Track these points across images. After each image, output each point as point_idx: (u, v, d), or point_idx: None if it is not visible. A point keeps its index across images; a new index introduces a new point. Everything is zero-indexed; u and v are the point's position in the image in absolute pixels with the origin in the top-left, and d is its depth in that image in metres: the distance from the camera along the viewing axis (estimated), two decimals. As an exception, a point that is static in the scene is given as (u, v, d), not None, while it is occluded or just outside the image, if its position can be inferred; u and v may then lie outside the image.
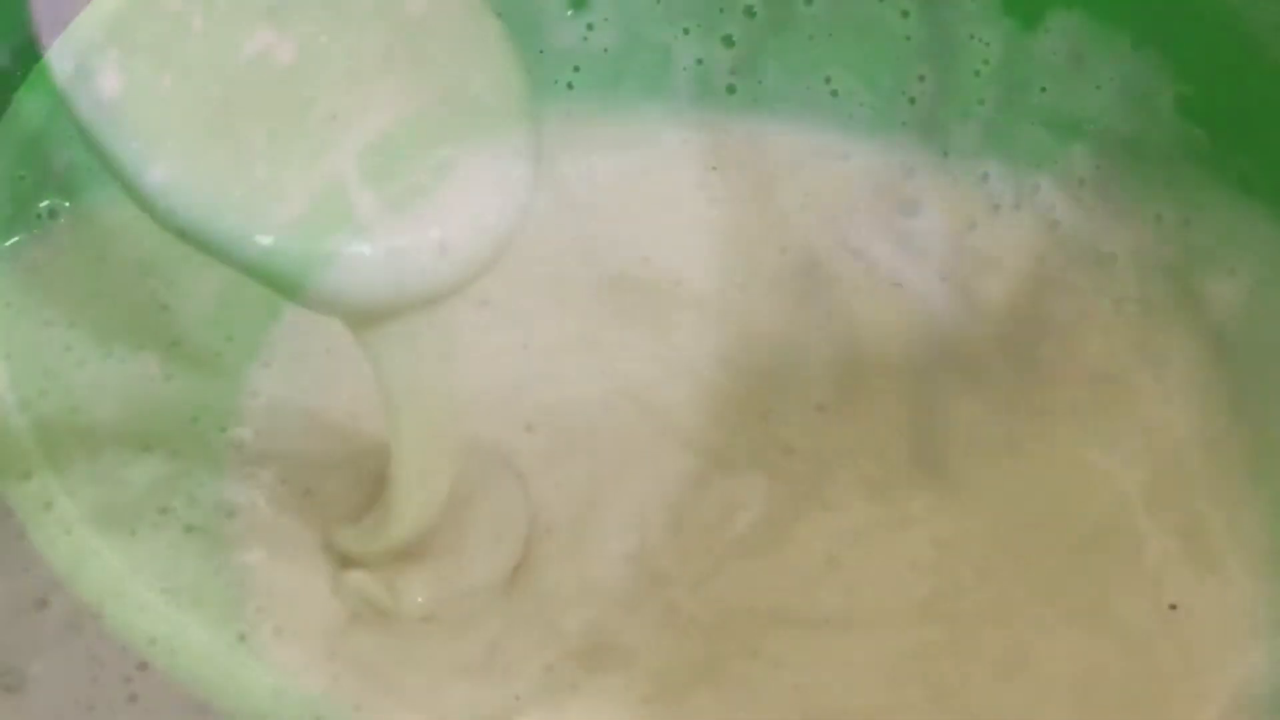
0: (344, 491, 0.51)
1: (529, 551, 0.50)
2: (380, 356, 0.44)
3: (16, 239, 0.56)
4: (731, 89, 0.60)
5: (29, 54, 0.54)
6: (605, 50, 0.60)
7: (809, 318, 0.55)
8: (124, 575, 0.49)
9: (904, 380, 0.54)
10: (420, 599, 0.49)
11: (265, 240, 0.40)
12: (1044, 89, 0.56)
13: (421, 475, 0.47)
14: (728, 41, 0.59)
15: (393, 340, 0.44)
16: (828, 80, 0.59)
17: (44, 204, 0.57)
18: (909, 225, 0.58)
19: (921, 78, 0.58)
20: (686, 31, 0.59)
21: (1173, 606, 0.49)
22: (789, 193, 0.58)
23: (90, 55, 0.41)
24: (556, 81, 0.60)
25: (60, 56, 0.41)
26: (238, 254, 0.40)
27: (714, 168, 0.59)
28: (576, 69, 0.60)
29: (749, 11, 0.59)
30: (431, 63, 0.42)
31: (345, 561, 0.50)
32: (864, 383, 0.54)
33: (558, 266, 0.57)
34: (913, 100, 0.58)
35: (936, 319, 0.55)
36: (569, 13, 0.60)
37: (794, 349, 0.55)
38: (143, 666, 0.48)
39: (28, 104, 0.55)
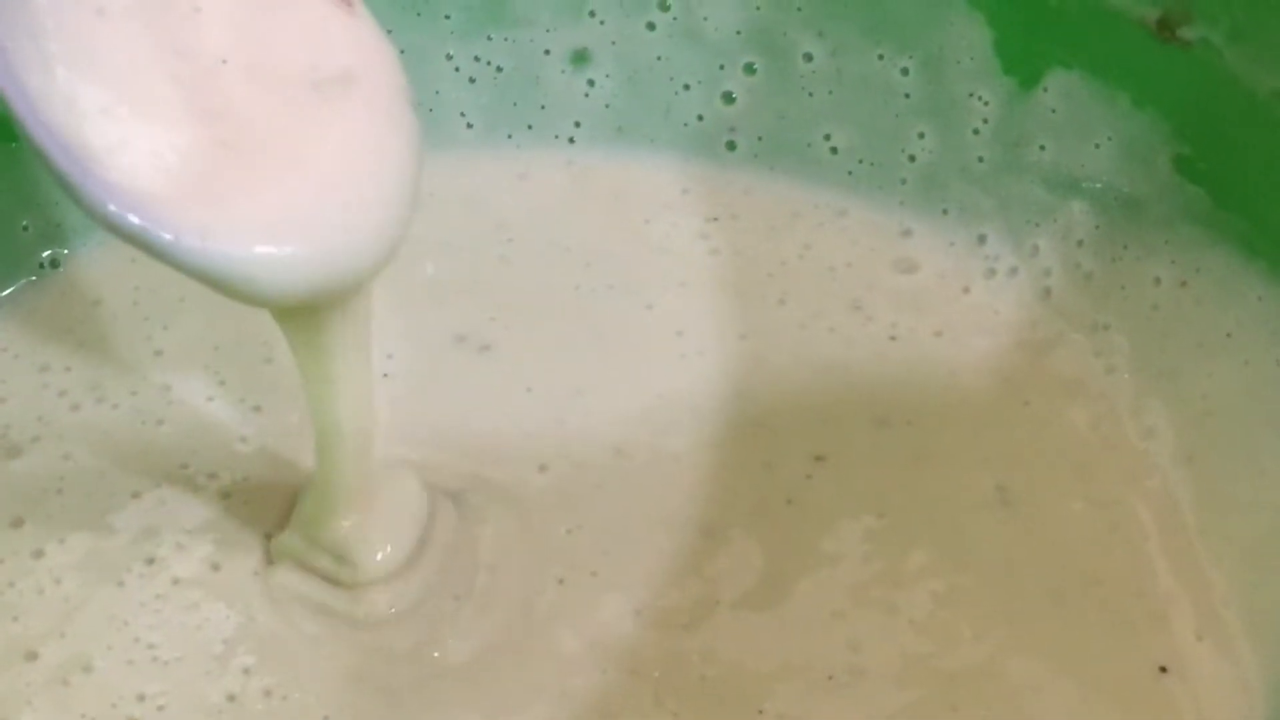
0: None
1: (540, 605, 0.50)
2: (300, 346, 0.45)
3: (16, 286, 0.57)
4: (731, 145, 0.60)
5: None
6: (606, 106, 0.60)
7: (807, 369, 0.55)
8: (112, 628, 0.49)
9: (899, 432, 0.54)
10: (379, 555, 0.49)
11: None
12: (1043, 147, 0.56)
13: (345, 454, 0.47)
14: (728, 98, 0.60)
15: (311, 330, 0.44)
16: (827, 137, 0.59)
17: (46, 254, 0.57)
18: (906, 281, 0.58)
19: (921, 135, 0.58)
20: (687, 87, 0.60)
21: (1163, 669, 0.49)
22: (788, 244, 0.59)
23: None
24: (558, 136, 0.61)
25: None
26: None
27: (714, 218, 0.59)
28: (578, 124, 0.61)
29: (749, 68, 0.59)
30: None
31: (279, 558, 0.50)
32: (861, 434, 0.54)
33: (559, 314, 0.57)
34: (912, 157, 0.58)
35: (932, 372, 0.55)
36: (570, 68, 0.60)
37: (792, 399, 0.55)
38: (131, 722, 0.48)
39: (28, 154, 0.55)
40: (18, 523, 0.51)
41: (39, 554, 0.50)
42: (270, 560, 0.50)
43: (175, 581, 0.50)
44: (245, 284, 0.40)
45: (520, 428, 0.54)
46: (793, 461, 0.53)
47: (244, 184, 0.40)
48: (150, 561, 0.50)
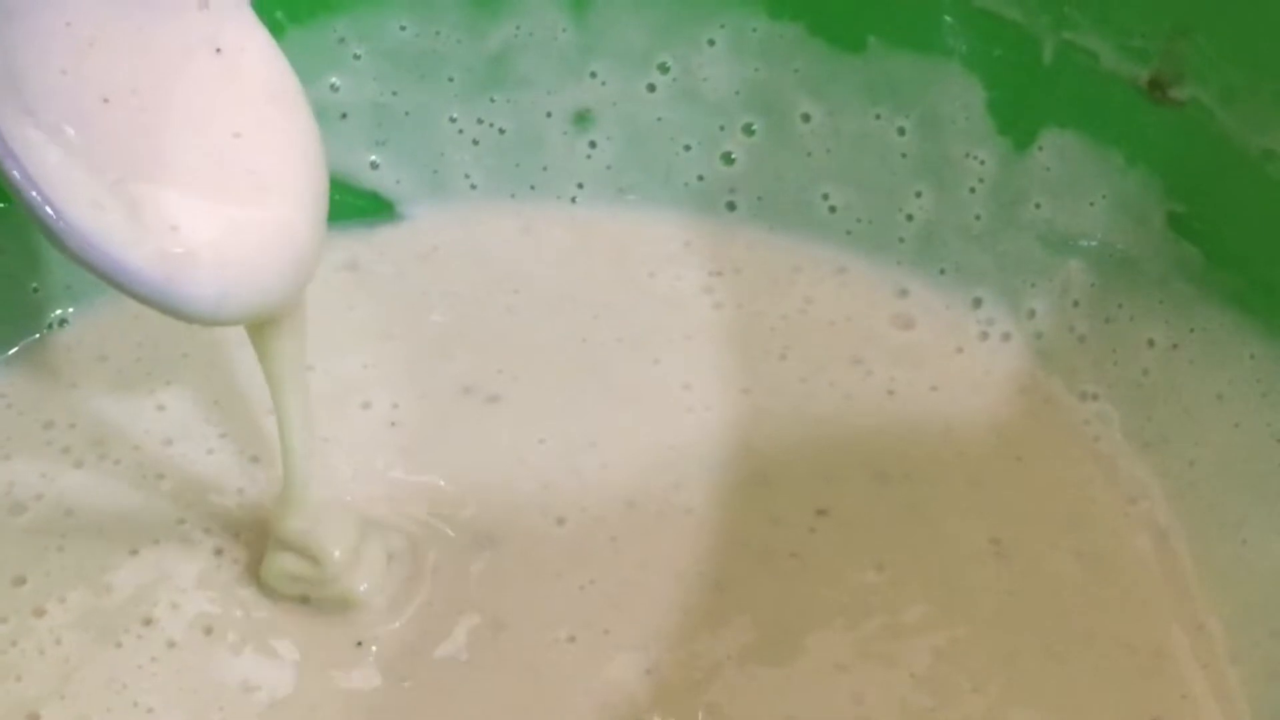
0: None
1: (551, 664, 0.50)
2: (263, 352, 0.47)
3: (24, 343, 0.57)
4: (732, 205, 0.61)
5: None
6: (608, 167, 0.61)
7: (808, 422, 0.56)
8: (110, 691, 0.49)
9: (898, 486, 0.54)
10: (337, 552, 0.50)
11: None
12: (1039, 205, 0.57)
13: (306, 445, 0.49)
14: (727, 159, 0.60)
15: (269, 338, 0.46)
16: (825, 196, 0.60)
17: (55, 313, 0.58)
18: (903, 337, 0.58)
19: (918, 194, 0.59)
20: (687, 148, 0.60)
21: None
22: (790, 299, 0.59)
23: None
24: (560, 197, 0.61)
25: None
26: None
27: (718, 272, 0.60)
28: (580, 185, 0.61)
29: (748, 129, 0.60)
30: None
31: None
32: (861, 487, 0.54)
33: (566, 366, 0.57)
34: (910, 216, 0.59)
35: (928, 428, 0.56)
36: (572, 130, 0.60)
37: (795, 453, 0.55)
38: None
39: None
40: (20, 581, 0.51)
41: (40, 612, 0.51)
42: (261, 580, 0.51)
43: (170, 645, 0.50)
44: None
45: (535, 479, 0.54)
46: (796, 515, 0.53)
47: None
48: (147, 622, 0.50)
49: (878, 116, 0.58)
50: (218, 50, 0.43)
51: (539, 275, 0.60)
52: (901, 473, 0.54)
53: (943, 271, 0.59)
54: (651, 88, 0.60)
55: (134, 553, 0.52)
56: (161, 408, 0.56)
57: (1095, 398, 0.56)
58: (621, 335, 0.58)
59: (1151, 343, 0.55)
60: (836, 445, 0.55)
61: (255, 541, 0.52)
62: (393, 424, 0.55)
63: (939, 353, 0.58)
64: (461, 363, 0.57)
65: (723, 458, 0.55)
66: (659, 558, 0.52)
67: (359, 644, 0.50)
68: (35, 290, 0.57)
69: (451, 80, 0.59)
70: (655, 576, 0.52)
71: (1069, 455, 0.55)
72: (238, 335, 0.48)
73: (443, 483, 0.54)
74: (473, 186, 0.61)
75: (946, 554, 0.52)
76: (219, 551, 0.52)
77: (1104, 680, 0.50)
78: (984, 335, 0.58)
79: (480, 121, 0.60)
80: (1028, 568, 0.52)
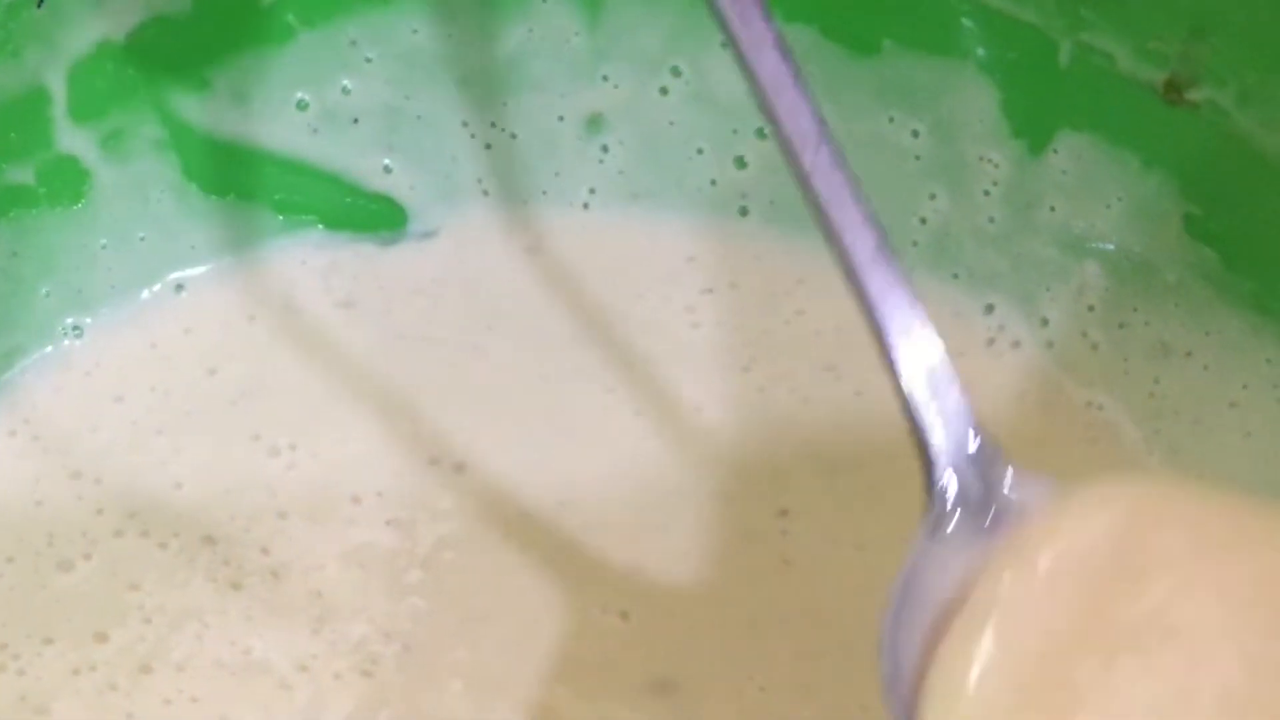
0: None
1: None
2: None
3: (40, 354, 0.57)
4: (744, 210, 0.60)
5: (50, 172, 0.56)
6: (621, 172, 0.61)
7: (761, 429, 0.56)
8: None
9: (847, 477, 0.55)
10: None
11: None
12: (1054, 208, 0.57)
13: None
14: (740, 163, 0.60)
15: None
16: (839, 200, 0.60)
17: (68, 320, 0.57)
18: None
19: (932, 196, 0.58)
20: (700, 152, 0.60)
21: None
22: (779, 313, 0.59)
23: None
24: (572, 203, 0.61)
25: None
26: None
27: (709, 290, 0.59)
28: (592, 190, 0.61)
29: (760, 134, 0.59)
30: None
31: None
32: (816, 484, 0.54)
33: (525, 412, 0.57)
34: (924, 220, 0.59)
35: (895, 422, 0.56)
36: (584, 135, 0.60)
37: (749, 460, 0.55)
38: None
39: (48, 221, 0.56)
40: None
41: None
42: None
43: None
44: None
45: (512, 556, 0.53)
46: (764, 520, 0.53)
47: None
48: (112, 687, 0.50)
49: (891, 119, 0.58)
50: None
51: (519, 308, 0.59)
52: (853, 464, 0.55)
53: (956, 276, 0.59)
54: (664, 91, 0.60)
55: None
56: (179, 485, 0.55)
57: (1102, 408, 0.56)
58: (582, 366, 0.58)
59: (1166, 349, 0.55)
60: (790, 446, 0.55)
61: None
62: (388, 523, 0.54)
63: None
64: (427, 431, 0.56)
65: (676, 477, 0.55)
66: (658, 573, 0.52)
67: None
68: (47, 295, 0.57)
69: (464, 84, 0.59)
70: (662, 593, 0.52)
71: (1073, 466, 0.54)
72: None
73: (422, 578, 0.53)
74: (485, 193, 0.61)
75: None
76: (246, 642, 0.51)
77: None
78: (991, 342, 0.58)
79: (493, 125, 0.60)
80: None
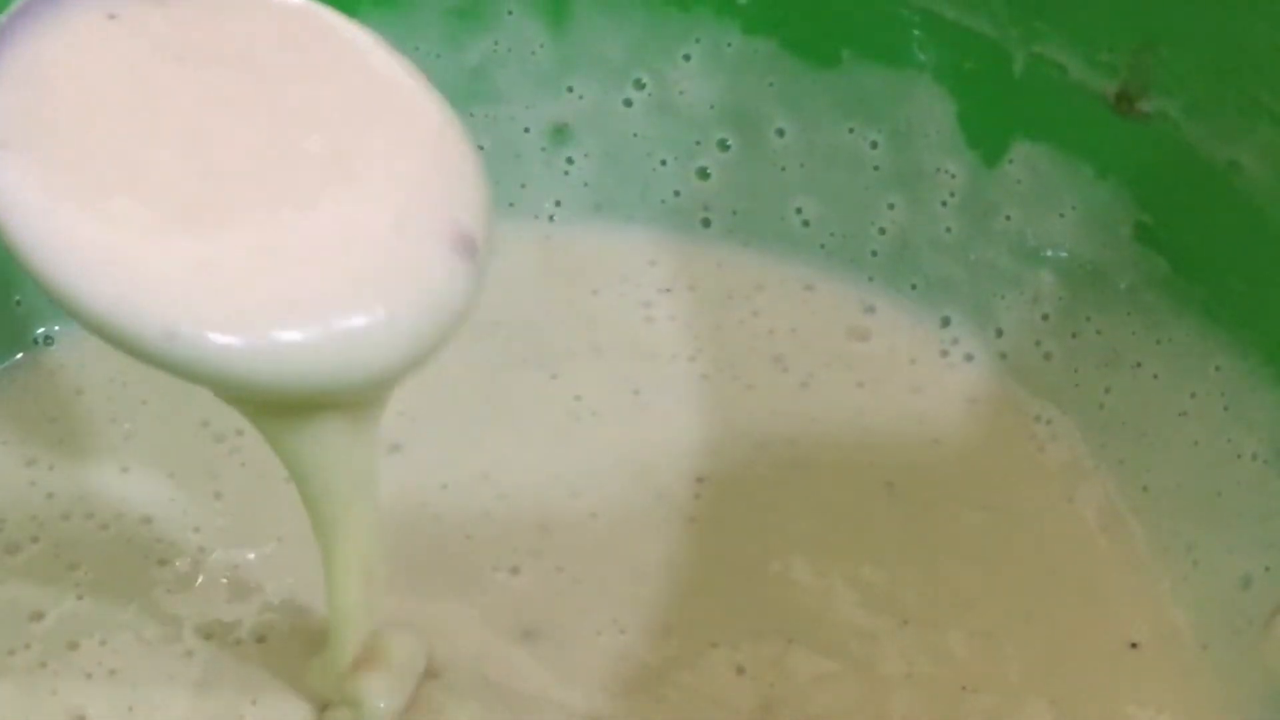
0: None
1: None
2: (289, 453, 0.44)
3: (10, 362, 0.57)
4: (706, 222, 0.61)
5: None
6: (585, 184, 0.61)
7: (693, 412, 0.57)
8: None
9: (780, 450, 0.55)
10: (382, 703, 0.48)
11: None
12: (1009, 217, 0.57)
13: (351, 569, 0.47)
14: (703, 174, 0.61)
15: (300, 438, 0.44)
16: (799, 210, 0.60)
17: (40, 330, 0.58)
18: (851, 348, 0.59)
19: (891, 205, 0.59)
20: (664, 163, 0.61)
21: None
22: (735, 312, 0.59)
23: None
24: (538, 216, 0.62)
25: None
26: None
27: (667, 289, 0.60)
28: (558, 202, 0.62)
29: (722, 144, 0.60)
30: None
31: (322, 704, 0.49)
32: (741, 457, 0.55)
33: (467, 397, 0.57)
34: (882, 230, 0.59)
35: (877, 438, 0.56)
36: (550, 146, 0.61)
37: (678, 440, 0.56)
38: None
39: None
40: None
41: None
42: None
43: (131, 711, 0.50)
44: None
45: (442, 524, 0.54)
46: (679, 483, 0.54)
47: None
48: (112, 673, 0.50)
49: (850, 130, 0.59)
50: None
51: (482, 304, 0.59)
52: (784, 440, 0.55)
53: (914, 287, 0.59)
54: (628, 103, 0.60)
55: (103, 643, 0.51)
56: (125, 469, 0.55)
57: (1050, 421, 0.56)
58: (529, 355, 0.58)
59: (1117, 357, 0.55)
60: (717, 426, 0.56)
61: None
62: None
63: (887, 364, 0.58)
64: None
65: (611, 458, 0.55)
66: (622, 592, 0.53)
67: None
68: (18, 304, 0.57)
69: (430, 94, 0.60)
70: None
71: (1018, 471, 0.56)
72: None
73: None
74: (452, 205, 0.61)
75: (839, 503, 0.54)
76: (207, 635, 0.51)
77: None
78: (944, 353, 0.58)
79: (459, 136, 0.61)
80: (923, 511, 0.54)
